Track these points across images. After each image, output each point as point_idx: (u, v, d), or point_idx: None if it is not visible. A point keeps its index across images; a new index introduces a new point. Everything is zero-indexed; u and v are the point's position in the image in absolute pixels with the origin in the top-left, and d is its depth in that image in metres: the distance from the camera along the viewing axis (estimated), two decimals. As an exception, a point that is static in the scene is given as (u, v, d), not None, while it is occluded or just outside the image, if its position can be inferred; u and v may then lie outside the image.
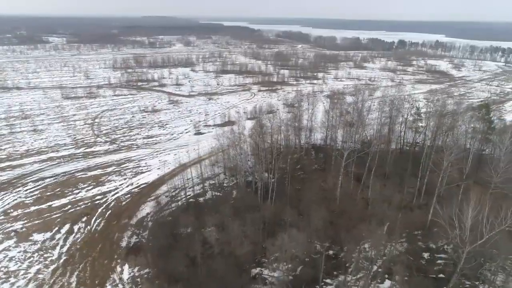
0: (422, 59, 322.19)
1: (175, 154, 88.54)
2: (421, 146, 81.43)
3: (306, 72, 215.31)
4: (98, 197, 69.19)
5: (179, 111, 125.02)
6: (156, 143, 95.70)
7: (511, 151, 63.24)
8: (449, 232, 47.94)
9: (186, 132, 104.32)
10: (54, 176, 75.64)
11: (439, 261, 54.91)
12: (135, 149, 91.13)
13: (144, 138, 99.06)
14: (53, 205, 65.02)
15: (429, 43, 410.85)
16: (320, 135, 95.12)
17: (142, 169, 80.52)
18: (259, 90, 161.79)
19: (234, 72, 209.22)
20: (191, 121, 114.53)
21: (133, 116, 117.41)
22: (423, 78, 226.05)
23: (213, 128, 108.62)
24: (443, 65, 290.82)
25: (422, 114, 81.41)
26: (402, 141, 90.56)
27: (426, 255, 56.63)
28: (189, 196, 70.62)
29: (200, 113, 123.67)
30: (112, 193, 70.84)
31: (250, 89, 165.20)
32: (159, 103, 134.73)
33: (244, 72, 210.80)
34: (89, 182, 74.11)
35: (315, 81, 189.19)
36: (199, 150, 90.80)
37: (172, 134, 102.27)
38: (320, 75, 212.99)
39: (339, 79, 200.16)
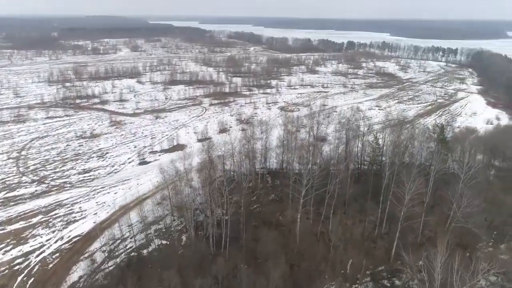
0: (371, 61, 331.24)
1: (115, 193, 78.42)
2: (380, 164, 78.28)
3: (259, 80, 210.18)
4: (19, 260, 58.02)
5: (122, 134, 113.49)
6: (93, 179, 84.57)
7: (470, 178, 61.45)
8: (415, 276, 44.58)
9: (129, 162, 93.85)
10: (-40, 237, 62.93)
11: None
12: (68, 189, 79.56)
13: (79, 173, 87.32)
14: (-45, 282, 53.11)
15: (376, 44, 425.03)
16: (275, 160, 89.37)
17: (75, 217, 69.72)
18: (211, 104, 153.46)
19: (184, 83, 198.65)
20: (135, 147, 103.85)
21: (68, 145, 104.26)
22: (373, 81, 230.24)
23: (160, 155, 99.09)
24: (390, 66, 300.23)
25: (380, 140, 77.98)
26: (360, 159, 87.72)
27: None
28: (130, 249, 61.58)
29: (145, 136, 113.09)
30: (37, 253, 59.89)
31: (201, 102, 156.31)
32: (99, 125, 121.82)
33: (194, 82, 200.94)
34: (8, 241, 62.32)
35: (268, 90, 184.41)
36: (143, 186, 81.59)
37: (113, 166, 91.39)
38: (273, 82, 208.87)
39: (292, 87, 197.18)
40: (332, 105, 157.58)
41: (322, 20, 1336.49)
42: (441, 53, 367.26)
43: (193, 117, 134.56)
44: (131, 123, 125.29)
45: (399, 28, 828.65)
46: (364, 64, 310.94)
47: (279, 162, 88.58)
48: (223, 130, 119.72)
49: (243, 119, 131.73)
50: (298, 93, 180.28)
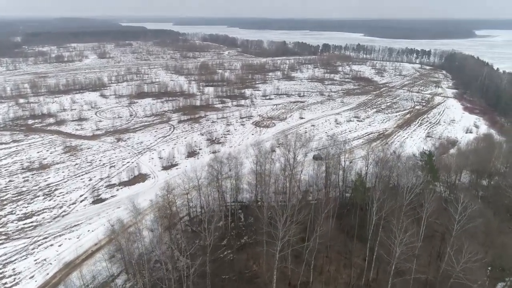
0: (347, 64, 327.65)
1: (60, 245, 66.49)
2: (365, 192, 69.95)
3: (233, 90, 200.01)
4: None
5: (76, 164, 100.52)
6: (35, 227, 72.10)
7: (467, 219, 53.86)
8: None
9: (81, 201, 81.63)
10: None
11: None
12: (1, 243, 66.93)
13: (19, 219, 74.52)
14: None
15: (351, 46, 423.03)
16: (248, 192, 79.64)
17: (5, 283, 57.49)
18: (180, 121, 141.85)
19: (152, 95, 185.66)
20: (90, 180, 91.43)
21: (10, 181, 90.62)
22: (350, 88, 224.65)
23: (118, 189, 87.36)
24: (367, 70, 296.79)
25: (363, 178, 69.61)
26: (344, 187, 79.52)
27: None
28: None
29: (103, 165, 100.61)
30: None
31: (169, 119, 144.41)
32: (51, 153, 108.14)
33: (163, 94, 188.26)
34: None
35: (242, 102, 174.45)
36: (95, 233, 69.99)
37: (61, 207, 78.99)
38: (248, 92, 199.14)
39: (267, 97, 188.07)
40: (309, 118, 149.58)
41: (296, 20, 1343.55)
42: (415, 54, 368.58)
43: (159, 137, 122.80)
44: (88, 148, 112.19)
45: (373, 28, 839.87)
46: (340, 68, 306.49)
47: (253, 195, 78.94)
48: (192, 153, 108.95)
49: (214, 138, 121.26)
50: (274, 105, 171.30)
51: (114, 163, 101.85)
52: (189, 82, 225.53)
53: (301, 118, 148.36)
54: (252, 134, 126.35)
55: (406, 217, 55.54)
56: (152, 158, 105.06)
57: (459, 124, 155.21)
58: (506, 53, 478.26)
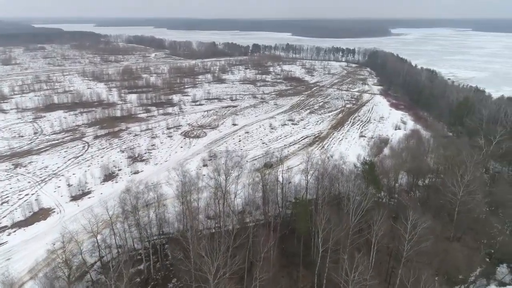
0: (277, 64, 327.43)
1: None
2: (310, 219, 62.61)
3: (160, 96, 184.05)
4: None
5: (-47, 204, 79.29)
6: None
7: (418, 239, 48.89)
8: None
9: (-47, 257, 62.73)
10: None
11: None
12: None
13: None
14: None
15: (281, 46, 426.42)
16: (175, 222, 67.95)
17: None
18: (96, 136, 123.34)
19: (64, 107, 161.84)
20: (-31, 225, 71.90)
21: None
22: (282, 88, 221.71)
23: (9, 234, 69.57)
24: (297, 70, 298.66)
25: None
26: (283, 204, 71.65)
27: None
28: None
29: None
30: None
31: (83, 135, 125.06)
32: None
33: (78, 105, 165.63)
34: None
35: (170, 110, 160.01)
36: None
37: None
38: (176, 98, 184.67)
39: (197, 103, 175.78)
40: (243, 124, 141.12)
41: (226, 20, 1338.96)
42: (341, 53, 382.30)
43: (70, 159, 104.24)
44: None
45: (300, 28, 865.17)
46: (271, 69, 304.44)
47: (182, 225, 67.40)
48: (109, 176, 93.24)
49: (136, 155, 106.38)
50: (204, 111, 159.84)
51: (7, 197, 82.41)
52: (109, 89, 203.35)
53: (234, 124, 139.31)
54: (181, 147, 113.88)
55: (354, 244, 49.22)
56: (59, 187, 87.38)
57: (388, 121, 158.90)
58: (419, 49, 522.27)
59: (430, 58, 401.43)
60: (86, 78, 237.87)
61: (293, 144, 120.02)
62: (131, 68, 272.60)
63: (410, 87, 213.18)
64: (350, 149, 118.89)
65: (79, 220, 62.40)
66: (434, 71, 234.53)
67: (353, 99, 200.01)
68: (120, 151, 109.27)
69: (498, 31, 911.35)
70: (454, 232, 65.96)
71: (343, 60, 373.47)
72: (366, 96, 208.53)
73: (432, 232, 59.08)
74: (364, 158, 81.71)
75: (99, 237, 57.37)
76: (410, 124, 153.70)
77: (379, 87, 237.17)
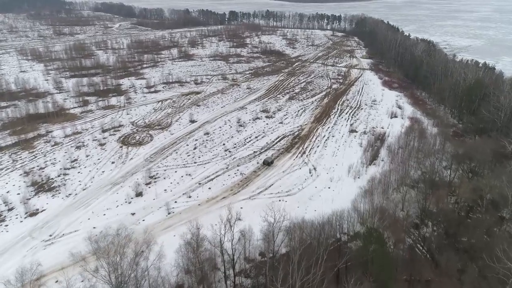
0: (256, 35, 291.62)
1: None
2: None
3: (107, 80, 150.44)
4: None
5: None
6: None
7: None
8: None
9: None
10: None
11: None
12: None
13: None
14: None
15: (261, 13, 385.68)
16: None
17: None
18: None
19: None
20: None
21: None
22: (259, 66, 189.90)
23: None
24: (277, 41, 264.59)
25: None
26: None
27: None
28: None
29: None
30: None
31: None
32: None
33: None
34: None
35: (114, 101, 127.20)
36: None
37: None
38: (127, 83, 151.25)
39: (152, 89, 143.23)
40: (203, 120, 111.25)
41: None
42: (326, 20, 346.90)
43: None
44: None
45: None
46: (248, 40, 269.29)
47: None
48: (-6, 220, 63.60)
49: (44, 181, 75.89)
50: (158, 101, 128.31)
51: None
52: (47, 72, 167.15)
53: (192, 121, 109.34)
54: (112, 162, 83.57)
55: None
56: None
57: (381, 105, 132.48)
58: (407, 14, 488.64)
59: (421, 24, 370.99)
60: (24, 58, 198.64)
61: (265, 150, 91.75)
62: (82, 44, 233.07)
63: (404, 62, 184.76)
64: (338, 154, 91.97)
65: None
66: (432, 42, 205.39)
67: (340, 77, 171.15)
68: (23, 173, 78.11)
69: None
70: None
71: (328, 28, 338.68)
72: (354, 72, 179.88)
73: None
74: (367, 226, 53.16)
75: None
76: (408, 109, 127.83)
77: (369, 61, 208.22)
